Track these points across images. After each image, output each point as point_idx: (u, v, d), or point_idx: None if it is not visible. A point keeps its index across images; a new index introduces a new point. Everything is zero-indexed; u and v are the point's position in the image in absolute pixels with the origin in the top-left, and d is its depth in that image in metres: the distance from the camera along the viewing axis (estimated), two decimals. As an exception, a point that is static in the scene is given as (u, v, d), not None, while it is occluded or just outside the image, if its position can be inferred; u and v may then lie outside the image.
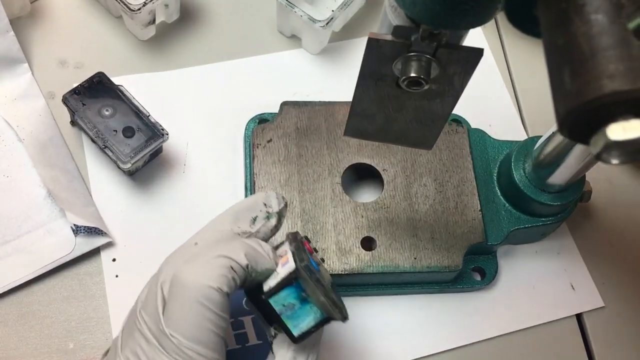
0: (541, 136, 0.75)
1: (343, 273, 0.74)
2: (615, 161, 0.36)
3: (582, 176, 0.76)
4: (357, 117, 0.63)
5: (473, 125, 0.85)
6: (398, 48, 0.52)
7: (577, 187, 0.77)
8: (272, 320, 0.59)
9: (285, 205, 0.62)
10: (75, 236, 0.77)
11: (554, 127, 0.71)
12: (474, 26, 0.48)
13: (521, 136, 0.90)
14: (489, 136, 0.84)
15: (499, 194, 0.81)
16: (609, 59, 0.33)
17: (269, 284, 0.57)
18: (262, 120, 0.84)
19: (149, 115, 0.79)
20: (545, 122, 0.88)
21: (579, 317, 0.83)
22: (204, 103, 0.89)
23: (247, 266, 0.55)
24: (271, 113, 0.84)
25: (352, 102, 0.61)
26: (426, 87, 0.53)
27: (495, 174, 0.82)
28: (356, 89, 0.58)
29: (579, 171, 0.72)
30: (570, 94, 0.34)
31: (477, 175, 0.81)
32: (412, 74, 0.52)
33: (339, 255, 0.74)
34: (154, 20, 0.88)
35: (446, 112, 0.59)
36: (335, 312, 0.57)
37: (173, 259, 0.57)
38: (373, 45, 0.52)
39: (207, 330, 0.52)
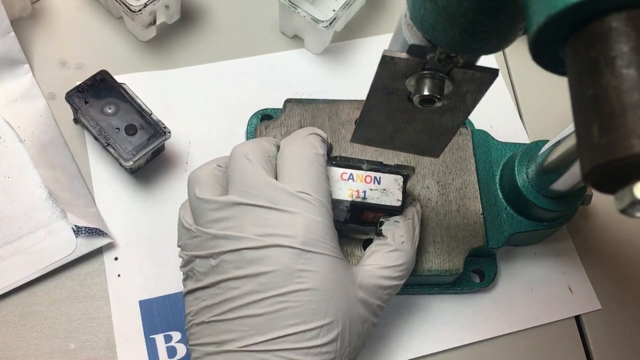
0: (544, 140, 0.75)
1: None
2: (639, 215, 0.36)
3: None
4: (366, 126, 0.63)
5: (474, 126, 0.86)
6: (412, 66, 0.52)
7: (580, 192, 0.77)
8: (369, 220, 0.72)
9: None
10: (77, 237, 0.77)
11: (559, 135, 0.71)
12: (493, 52, 0.48)
13: (521, 138, 0.91)
14: (493, 138, 0.84)
15: (501, 197, 0.81)
16: (639, 116, 0.33)
17: (392, 200, 0.70)
18: (265, 116, 0.84)
19: (152, 113, 0.79)
20: (544, 125, 0.89)
21: (577, 318, 0.83)
22: (206, 102, 0.88)
23: (326, 139, 0.69)
24: (274, 108, 0.84)
25: (361, 111, 0.60)
26: (439, 104, 0.53)
27: (497, 177, 0.82)
28: (367, 99, 0.58)
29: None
30: (598, 149, 0.34)
31: (479, 177, 0.81)
32: (426, 92, 0.52)
33: (342, 258, 0.74)
34: (154, 21, 0.88)
35: (456, 125, 0.59)
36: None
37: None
38: (387, 62, 0.52)
39: (324, 188, 0.65)
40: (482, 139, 0.84)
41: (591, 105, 0.35)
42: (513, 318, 0.82)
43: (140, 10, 0.82)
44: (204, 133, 0.86)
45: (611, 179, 0.35)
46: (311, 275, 0.61)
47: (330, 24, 0.84)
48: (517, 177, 0.77)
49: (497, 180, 0.82)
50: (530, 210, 0.78)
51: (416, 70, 0.52)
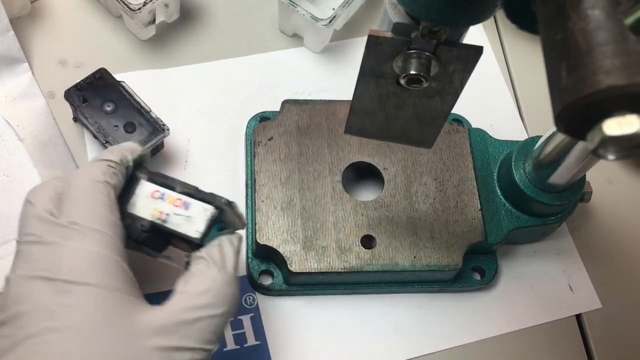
0: (541, 136, 0.75)
1: (343, 271, 0.74)
2: (611, 157, 0.36)
3: (582, 176, 0.76)
4: (358, 114, 0.63)
5: (474, 125, 0.86)
6: (398, 45, 0.52)
7: (577, 187, 0.77)
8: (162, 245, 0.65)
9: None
10: None
11: (554, 127, 0.71)
12: (473, 23, 0.48)
13: (522, 136, 0.90)
14: (490, 136, 0.84)
15: (499, 193, 0.80)
16: (605, 54, 0.33)
17: (192, 230, 0.63)
18: (263, 118, 0.84)
19: (150, 111, 0.79)
20: (545, 122, 0.88)
21: (578, 317, 0.83)
22: (206, 100, 0.89)
23: (120, 161, 0.62)
24: (273, 111, 0.84)
25: (352, 99, 0.61)
26: (426, 84, 0.53)
27: (495, 174, 0.82)
28: (356, 86, 0.58)
29: (579, 171, 0.72)
30: (566, 89, 0.34)
31: (477, 174, 0.81)
32: (412, 71, 0.52)
33: (339, 253, 0.74)
34: (154, 20, 0.88)
35: (446, 110, 0.60)
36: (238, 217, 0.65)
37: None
38: (373, 42, 0.52)
39: (102, 216, 0.57)
40: (479, 137, 0.84)
41: (559, 49, 0.35)
42: (513, 317, 0.81)
43: (139, 9, 0.83)
44: (203, 131, 0.86)
45: (582, 120, 0.35)
46: (68, 312, 0.52)
47: (330, 22, 0.85)
48: (514, 172, 0.77)
49: (495, 177, 0.81)
50: (528, 205, 0.78)
51: (402, 50, 0.52)
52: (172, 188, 0.64)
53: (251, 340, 0.76)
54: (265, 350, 0.76)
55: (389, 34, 0.51)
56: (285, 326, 0.77)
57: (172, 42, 0.92)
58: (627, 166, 0.91)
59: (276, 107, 0.84)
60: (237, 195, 0.81)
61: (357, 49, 0.94)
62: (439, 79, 0.55)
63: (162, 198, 0.63)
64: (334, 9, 0.86)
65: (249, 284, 0.79)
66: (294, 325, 0.78)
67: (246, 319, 0.77)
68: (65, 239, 0.55)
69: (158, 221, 0.62)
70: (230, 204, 0.64)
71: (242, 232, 0.66)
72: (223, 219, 0.65)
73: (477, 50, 0.51)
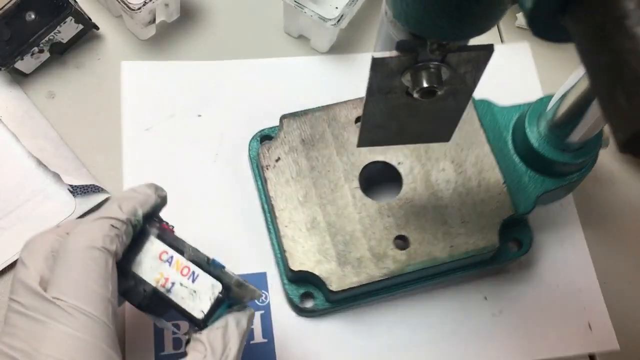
0: (549, 96, 0.74)
1: (383, 278, 0.72)
2: None
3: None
4: (370, 129, 0.62)
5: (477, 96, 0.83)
6: (404, 62, 0.50)
7: (596, 138, 0.75)
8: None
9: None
10: (75, 197, 0.79)
11: (563, 88, 0.69)
12: (484, 31, 0.46)
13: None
14: (495, 104, 0.82)
15: (518, 161, 0.79)
16: None
17: (196, 308, 0.58)
18: (263, 137, 0.82)
19: None
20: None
21: (591, 356, 0.81)
22: (206, 100, 0.88)
23: (127, 220, 0.57)
24: (272, 127, 0.82)
25: (362, 116, 0.59)
26: (440, 93, 0.51)
27: (509, 142, 0.80)
28: (365, 104, 0.57)
29: (597, 125, 0.70)
30: (630, 117, 0.32)
31: (492, 147, 0.79)
32: (425, 85, 0.50)
33: (375, 261, 0.73)
34: (154, 20, 0.88)
35: (461, 107, 0.58)
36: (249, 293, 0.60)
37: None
38: (378, 64, 0.51)
39: (93, 292, 0.53)
40: (485, 108, 0.82)
41: (610, 73, 0.33)
42: (527, 347, 0.79)
43: (139, 9, 0.83)
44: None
45: None
46: None
47: (338, 21, 0.84)
48: (530, 137, 0.76)
49: (511, 146, 0.80)
50: (551, 168, 0.77)
51: (409, 65, 0.51)
52: (182, 252, 0.60)
53: (258, 338, 0.76)
54: (271, 350, 0.75)
55: (394, 53, 0.50)
56: (293, 326, 0.77)
57: (172, 42, 0.91)
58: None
59: (279, 111, 0.81)
60: (248, 206, 0.81)
61: (364, 44, 0.94)
62: (452, 82, 0.53)
63: (169, 262, 0.59)
64: (337, 7, 0.88)
65: (290, 308, 0.78)
66: (303, 326, 0.77)
67: (256, 316, 0.76)
68: (49, 318, 0.51)
69: (162, 289, 0.59)
70: (240, 285, 0.59)
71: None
72: (232, 296, 0.60)
73: (488, 51, 0.50)
